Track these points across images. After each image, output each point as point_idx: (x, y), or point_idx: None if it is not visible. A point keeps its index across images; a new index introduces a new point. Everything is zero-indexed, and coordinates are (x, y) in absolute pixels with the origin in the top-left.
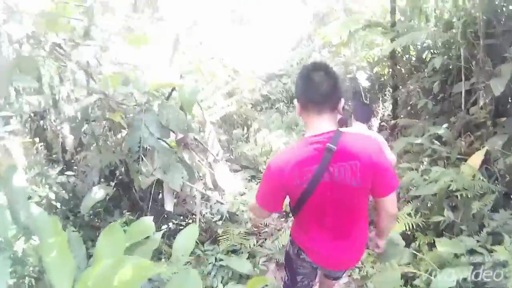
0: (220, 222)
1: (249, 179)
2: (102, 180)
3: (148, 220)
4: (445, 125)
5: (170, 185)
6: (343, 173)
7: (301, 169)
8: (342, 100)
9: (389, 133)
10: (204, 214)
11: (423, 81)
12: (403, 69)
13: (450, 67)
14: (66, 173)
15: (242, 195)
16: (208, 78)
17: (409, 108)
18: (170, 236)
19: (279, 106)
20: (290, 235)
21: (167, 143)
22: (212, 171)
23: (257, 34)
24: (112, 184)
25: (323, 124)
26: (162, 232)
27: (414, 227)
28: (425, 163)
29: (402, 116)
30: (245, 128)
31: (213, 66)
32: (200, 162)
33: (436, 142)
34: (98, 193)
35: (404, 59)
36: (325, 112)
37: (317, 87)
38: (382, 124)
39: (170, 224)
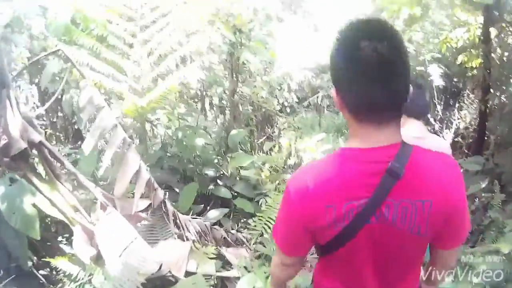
0: None
1: (238, 228)
2: None
3: None
4: None
5: None
6: (404, 217)
7: (340, 203)
8: (411, 87)
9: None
10: None
11: None
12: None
13: None
14: None
15: None
16: None
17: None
18: None
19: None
20: (312, 281)
21: None
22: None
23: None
24: None
25: (384, 134)
26: None
27: None
28: None
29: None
30: (267, 128)
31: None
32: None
33: None
34: None
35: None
36: (390, 119)
37: (378, 79)
38: (456, 140)
39: None
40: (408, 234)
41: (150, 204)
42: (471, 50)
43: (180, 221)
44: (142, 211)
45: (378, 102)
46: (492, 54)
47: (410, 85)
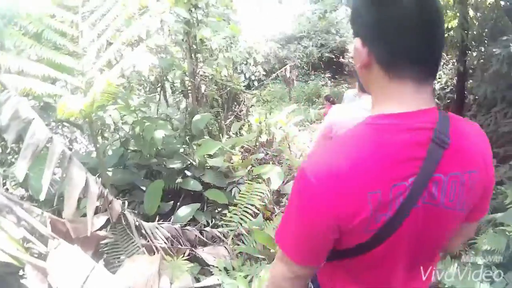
0: None
1: (215, 221)
2: None
3: None
4: None
5: None
6: (454, 193)
7: (387, 186)
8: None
9: None
10: None
11: None
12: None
13: None
14: None
15: None
16: None
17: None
18: None
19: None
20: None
21: None
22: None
23: None
24: None
25: (425, 95)
26: None
27: None
28: None
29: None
30: (235, 107)
31: None
32: None
33: None
34: None
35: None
36: (430, 77)
37: (420, 29)
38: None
39: None
40: (454, 213)
41: (109, 219)
42: (447, 11)
43: (145, 231)
44: (100, 229)
45: (419, 53)
46: (469, 14)
47: None
